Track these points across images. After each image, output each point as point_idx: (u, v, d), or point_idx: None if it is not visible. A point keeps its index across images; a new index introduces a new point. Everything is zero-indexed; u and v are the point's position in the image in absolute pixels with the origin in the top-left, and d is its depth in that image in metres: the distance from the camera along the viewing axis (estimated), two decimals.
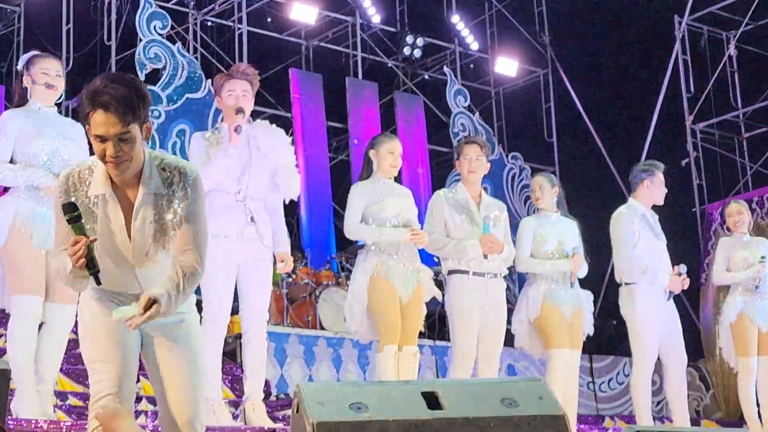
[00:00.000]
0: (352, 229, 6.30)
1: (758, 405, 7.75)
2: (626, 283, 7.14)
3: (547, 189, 7.07)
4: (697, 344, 7.59)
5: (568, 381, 6.84)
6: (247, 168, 5.71)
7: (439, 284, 6.71)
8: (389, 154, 6.40)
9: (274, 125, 6.00)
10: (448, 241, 6.46)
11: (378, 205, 6.28)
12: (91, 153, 3.75)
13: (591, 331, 7.10)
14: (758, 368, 7.71)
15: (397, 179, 6.63)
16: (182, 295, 3.65)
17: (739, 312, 7.74)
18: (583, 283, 7.12)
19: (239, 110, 5.70)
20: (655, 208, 7.37)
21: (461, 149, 6.68)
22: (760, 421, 7.69)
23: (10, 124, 5.42)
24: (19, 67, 5.57)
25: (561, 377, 6.70)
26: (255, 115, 6.15)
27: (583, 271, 7.01)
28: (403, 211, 6.32)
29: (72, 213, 3.49)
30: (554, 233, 6.95)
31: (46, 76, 5.50)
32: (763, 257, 7.77)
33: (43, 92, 5.50)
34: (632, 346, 7.09)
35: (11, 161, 5.42)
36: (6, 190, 5.48)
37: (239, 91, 5.79)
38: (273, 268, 5.93)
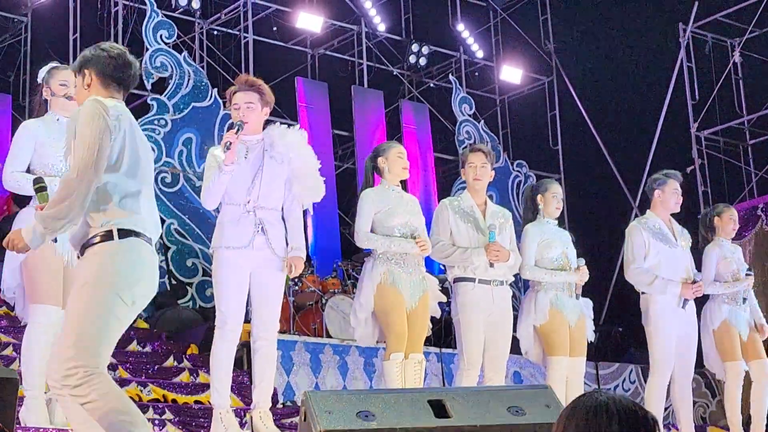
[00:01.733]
0: (362, 237, 6.33)
1: (749, 410, 7.75)
2: (642, 293, 7.17)
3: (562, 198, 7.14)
4: (701, 351, 7.56)
5: (574, 388, 6.85)
6: (258, 177, 5.68)
7: (445, 292, 6.72)
8: (399, 158, 6.44)
9: (291, 129, 5.93)
10: (454, 250, 6.47)
11: (386, 214, 6.30)
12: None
13: (592, 337, 7.12)
14: (752, 372, 7.72)
15: (404, 187, 6.64)
16: (55, 208, 3.95)
17: (723, 319, 7.75)
18: (589, 290, 7.13)
19: (236, 125, 5.66)
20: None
21: (466, 157, 6.70)
22: (748, 427, 7.69)
23: (28, 135, 5.45)
24: (39, 79, 5.60)
25: (561, 385, 6.71)
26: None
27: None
28: (410, 219, 6.34)
29: (39, 184, 4.37)
30: (559, 240, 6.96)
31: (65, 87, 5.52)
32: (749, 270, 7.81)
33: (64, 103, 5.53)
34: (649, 353, 7.11)
35: (29, 171, 5.45)
36: (19, 201, 5.51)
37: (242, 103, 5.74)
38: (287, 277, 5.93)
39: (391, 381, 6.12)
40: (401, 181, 6.55)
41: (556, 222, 7.09)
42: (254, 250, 5.60)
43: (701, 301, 7.55)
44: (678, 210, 7.26)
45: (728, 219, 7.91)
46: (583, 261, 6.92)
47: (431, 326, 6.59)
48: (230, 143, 5.53)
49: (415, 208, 6.46)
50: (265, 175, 5.67)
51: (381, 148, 6.54)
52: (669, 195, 7.23)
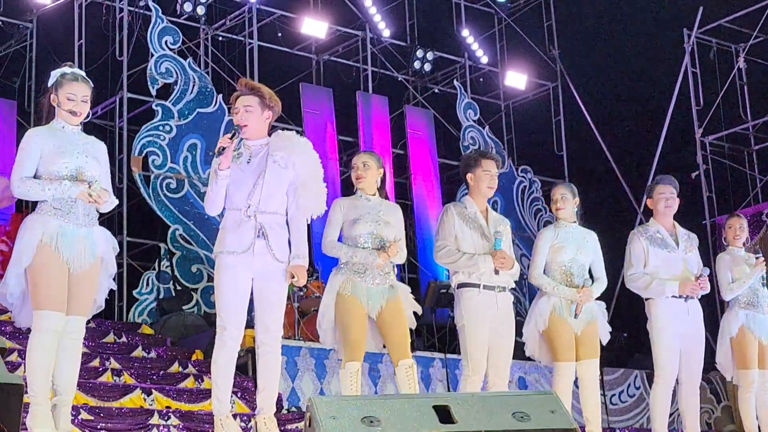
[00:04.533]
0: (327, 246, 6.33)
1: (756, 418, 7.75)
2: (646, 299, 7.16)
3: (569, 199, 7.07)
4: (708, 357, 7.57)
5: (588, 390, 6.85)
6: (260, 182, 5.65)
7: (449, 297, 6.71)
8: (353, 169, 6.45)
9: (298, 136, 5.89)
10: (460, 255, 6.45)
11: (352, 223, 6.30)
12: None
13: (606, 339, 7.09)
14: (757, 381, 7.72)
15: (407, 193, 6.62)
16: None
17: (740, 326, 7.75)
18: None
19: (233, 129, 5.65)
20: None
21: (478, 162, 6.64)
22: None
23: (34, 143, 5.45)
24: (50, 82, 5.59)
25: (566, 390, 6.71)
26: None
27: (603, 286, 7.00)
28: (377, 229, 6.30)
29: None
30: (572, 243, 6.95)
31: (71, 102, 5.50)
32: (758, 254, 7.80)
33: (67, 116, 5.52)
34: (653, 358, 7.11)
35: (35, 178, 5.45)
36: (30, 208, 5.54)
37: (241, 106, 5.73)
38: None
39: (346, 390, 6.10)
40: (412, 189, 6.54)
41: (575, 223, 7.06)
42: (255, 255, 5.56)
43: (708, 304, 7.54)
44: (668, 213, 7.21)
45: (729, 228, 7.97)
46: (590, 282, 6.90)
47: (434, 330, 6.57)
48: (223, 148, 5.52)
49: (388, 217, 6.36)
50: (267, 179, 5.62)
51: None
52: (656, 200, 7.22)
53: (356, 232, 6.28)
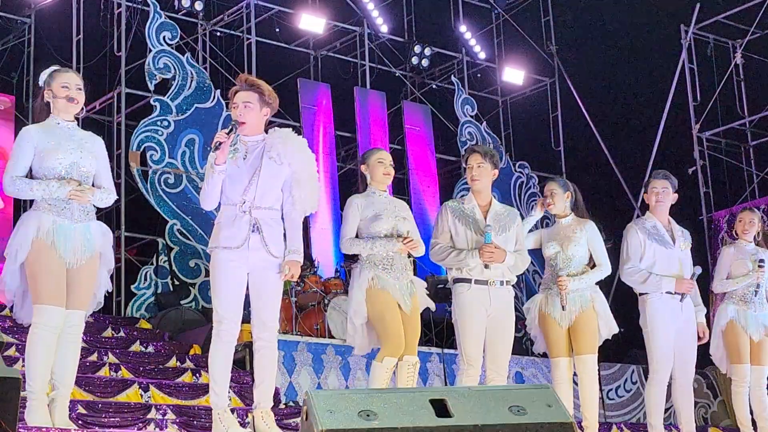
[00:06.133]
0: (345, 243, 6.34)
1: (751, 413, 7.78)
2: (640, 294, 7.18)
3: (558, 195, 7.06)
4: (705, 352, 7.61)
5: (585, 386, 6.86)
6: (255, 178, 5.66)
7: (447, 292, 6.73)
8: (379, 164, 6.42)
9: (294, 134, 5.90)
10: (449, 252, 6.45)
11: (372, 219, 6.31)
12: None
13: (615, 331, 7.01)
14: (750, 377, 7.74)
15: (405, 188, 6.65)
16: None
17: (729, 320, 7.77)
18: None
19: (231, 124, 5.65)
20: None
21: (465, 159, 6.71)
22: (754, 428, 7.72)
23: (27, 140, 5.48)
24: (40, 82, 5.61)
25: (562, 384, 6.73)
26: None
27: (602, 273, 6.98)
28: (397, 224, 6.34)
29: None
30: (556, 238, 6.97)
31: (66, 89, 5.54)
32: (761, 261, 7.76)
33: (64, 106, 5.54)
34: (647, 354, 7.13)
35: (30, 176, 5.48)
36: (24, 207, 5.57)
37: (240, 102, 5.72)
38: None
39: (376, 382, 6.11)
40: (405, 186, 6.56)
41: (567, 217, 7.06)
42: (250, 250, 5.57)
43: (704, 298, 7.57)
44: (659, 208, 7.22)
45: (739, 221, 7.97)
46: (602, 250, 6.91)
47: (432, 325, 6.59)
48: (220, 143, 5.53)
49: (404, 213, 6.43)
50: (263, 175, 5.64)
51: (364, 155, 6.56)
52: (650, 195, 7.24)
53: (377, 228, 6.29)
